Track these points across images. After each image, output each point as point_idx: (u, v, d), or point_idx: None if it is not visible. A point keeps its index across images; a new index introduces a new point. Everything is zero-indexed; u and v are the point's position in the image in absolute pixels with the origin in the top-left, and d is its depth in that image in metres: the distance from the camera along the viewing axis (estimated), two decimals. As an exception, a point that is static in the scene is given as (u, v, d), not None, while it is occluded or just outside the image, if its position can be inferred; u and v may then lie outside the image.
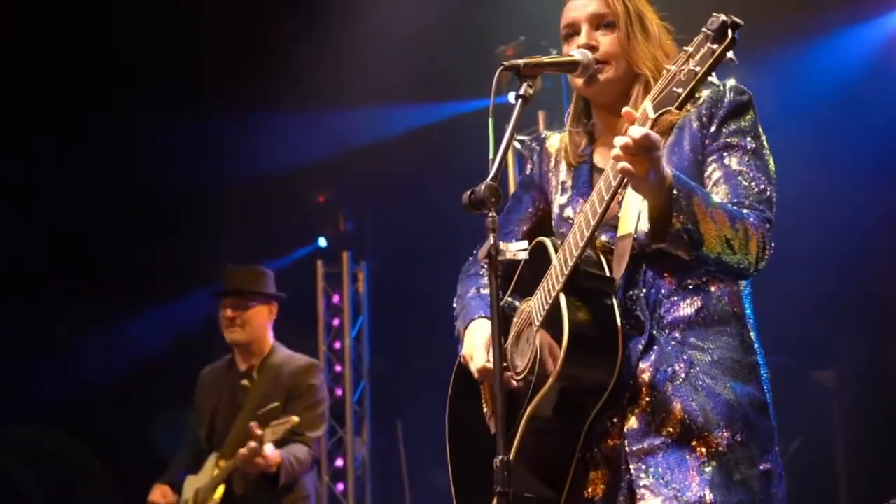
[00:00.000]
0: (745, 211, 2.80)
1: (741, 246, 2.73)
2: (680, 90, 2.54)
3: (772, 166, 2.93)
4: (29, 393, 8.53)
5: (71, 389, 8.40)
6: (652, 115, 2.59)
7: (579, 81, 3.03)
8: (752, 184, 2.85)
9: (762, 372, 2.92)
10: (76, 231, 8.82)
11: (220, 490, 5.73)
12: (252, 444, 5.44)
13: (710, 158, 2.90)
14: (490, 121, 2.80)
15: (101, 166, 8.67)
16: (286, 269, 9.88)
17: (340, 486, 9.60)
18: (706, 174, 2.90)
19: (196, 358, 6.55)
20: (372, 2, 8.56)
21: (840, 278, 7.29)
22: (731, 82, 2.95)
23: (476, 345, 3.08)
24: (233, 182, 9.47)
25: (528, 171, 3.34)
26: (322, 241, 10.07)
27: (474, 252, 3.22)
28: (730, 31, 2.47)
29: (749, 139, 2.90)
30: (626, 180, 2.70)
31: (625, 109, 2.66)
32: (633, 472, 2.82)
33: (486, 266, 2.71)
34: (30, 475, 8.45)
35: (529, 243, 2.91)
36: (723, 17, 2.49)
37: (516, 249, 2.83)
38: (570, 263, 2.81)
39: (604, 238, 2.95)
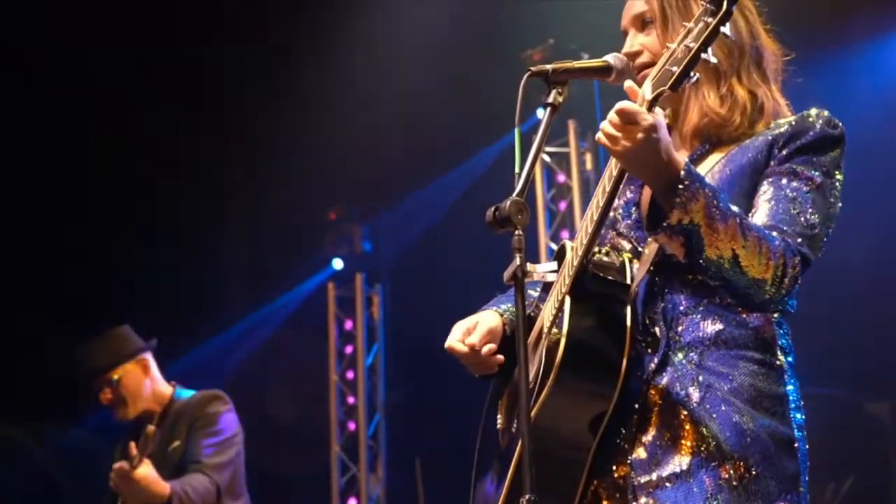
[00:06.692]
0: (773, 233, 2.71)
1: (752, 267, 2.64)
2: (675, 69, 2.56)
3: (834, 210, 2.81)
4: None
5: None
6: (649, 96, 2.60)
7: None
8: (801, 216, 2.75)
9: (792, 405, 2.82)
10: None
11: None
12: (121, 463, 5.40)
13: (767, 180, 2.82)
14: (516, 131, 2.79)
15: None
16: (295, 289, 9.89)
17: (354, 528, 9.59)
18: (757, 194, 2.81)
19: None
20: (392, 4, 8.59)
21: (895, 306, 7.25)
22: (824, 113, 2.85)
23: (460, 324, 3.10)
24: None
25: None
26: (338, 263, 9.98)
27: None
28: (725, 3, 2.49)
29: (819, 174, 2.80)
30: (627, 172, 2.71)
31: (627, 83, 2.70)
32: None
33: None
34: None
35: None
36: None
37: (545, 271, 2.81)
38: (575, 265, 2.82)
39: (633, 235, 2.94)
